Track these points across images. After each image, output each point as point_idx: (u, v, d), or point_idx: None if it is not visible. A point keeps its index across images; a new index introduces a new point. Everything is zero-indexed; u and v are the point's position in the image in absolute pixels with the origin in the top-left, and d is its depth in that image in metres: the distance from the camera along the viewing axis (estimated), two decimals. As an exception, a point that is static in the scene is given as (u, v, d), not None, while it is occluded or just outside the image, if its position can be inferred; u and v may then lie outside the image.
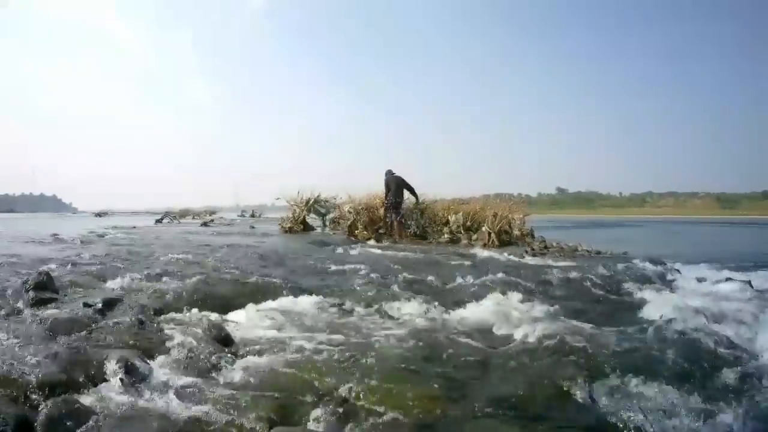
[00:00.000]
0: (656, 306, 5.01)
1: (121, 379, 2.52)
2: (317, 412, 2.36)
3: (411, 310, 4.68)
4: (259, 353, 3.17)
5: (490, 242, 11.22)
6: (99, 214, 35.30)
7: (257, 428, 2.20)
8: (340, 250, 9.44)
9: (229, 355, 3.05)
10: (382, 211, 12.92)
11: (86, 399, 2.31)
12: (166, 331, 3.38)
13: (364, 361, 3.08)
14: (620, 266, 7.59)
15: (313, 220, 14.97)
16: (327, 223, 14.93)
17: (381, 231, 12.27)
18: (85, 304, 3.74)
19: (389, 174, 12.33)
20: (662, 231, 28.47)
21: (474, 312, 4.65)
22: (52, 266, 5.35)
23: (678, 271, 7.61)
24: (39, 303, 3.79)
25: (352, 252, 9.25)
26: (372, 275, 6.17)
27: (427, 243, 11.83)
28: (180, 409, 2.29)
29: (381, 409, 2.42)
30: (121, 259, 6.56)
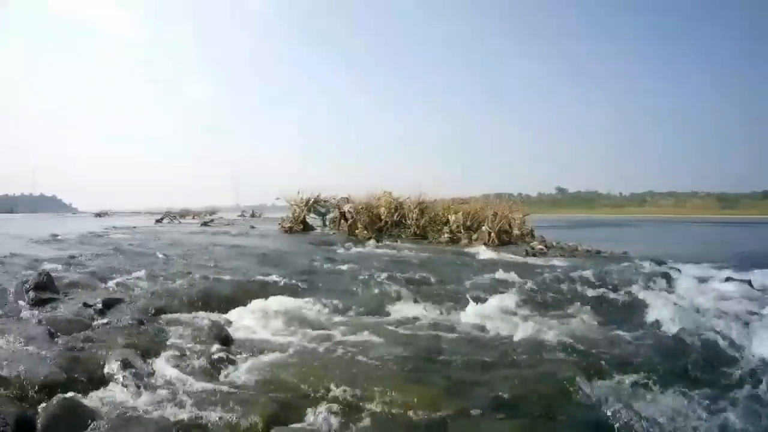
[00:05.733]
0: (656, 305, 5.00)
1: (121, 379, 2.53)
2: (317, 412, 2.36)
3: (411, 310, 4.68)
4: (259, 353, 3.18)
5: (490, 242, 11.23)
6: (99, 215, 35.35)
7: (257, 428, 2.20)
8: (340, 249, 9.45)
9: (229, 354, 3.06)
10: (382, 210, 12.97)
11: (87, 399, 2.31)
12: (166, 331, 3.38)
13: (364, 360, 3.08)
14: (620, 266, 7.60)
15: (313, 219, 14.99)
16: (327, 223, 14.95)
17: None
18: (85, 304, 3.74)
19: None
20: (662, 231, 28.48)
21: (474, 312, 4.65)
22: (52, 266, 5.35)
23: (678, 270, 7.61)
24: (39, 303, 3.79)
25: (352, 252, 9.25)
26: (372, 275, 6.17)
27: (427, 243, 11.85)
28: (180, 409, 2.29)
29: (381, 408, 2.42)
30: (121, 259, 6.57)
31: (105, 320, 3.43)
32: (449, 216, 12.74)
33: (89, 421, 2.12)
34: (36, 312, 3.57)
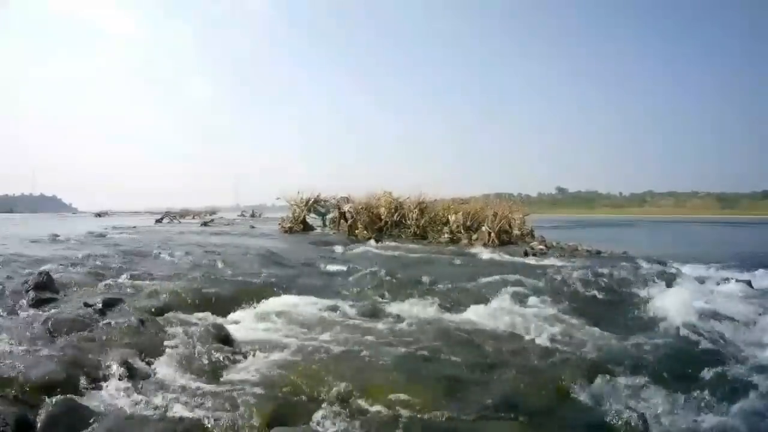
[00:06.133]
0: (656, 306, 5.01)
1: (121, 379, 2.53)
2: (317, 412, 2.36)
3: (411, 310, 4.67)
4: (259, 353, 3.17)
5: (490, 242, 11.23)
6: (99, 214, 35.30)
7: (257, 428, 2.20)
8: (340, 249, 9.44)
9: (229, 355, 3.05)
10: (382, 210, 12.98)
11: (86, 399, 2.31)
12: (166, 331, 3.38)
13: (364, 361, 3.08)
14: (620, 266, 7.59)
15: (313, 219, 14.98)
16: (327, 223, 14.94)
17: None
18: (85, 304, 3.74)
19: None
20: (662, 231, 28.50)
21: (474, 312, 4.65)
22: (52, 266, 5.35)
23: (678, 270, 7.62)
24: (39, 303, 3.79)
25: (352, 252, 9.25)
26: (372, 275, 6.17)
27: (427, 243, 11.85)
28: (180, 409, 2.29)
29: (381, 408, 2.42)
30: (121, 259, 6.56)
31: (105, 320, 3.43)
32: (449, 216, 12.74)
33: (89, 421, 2.12)
34: (36, 312, 3.57)
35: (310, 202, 14.54)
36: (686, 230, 29.54)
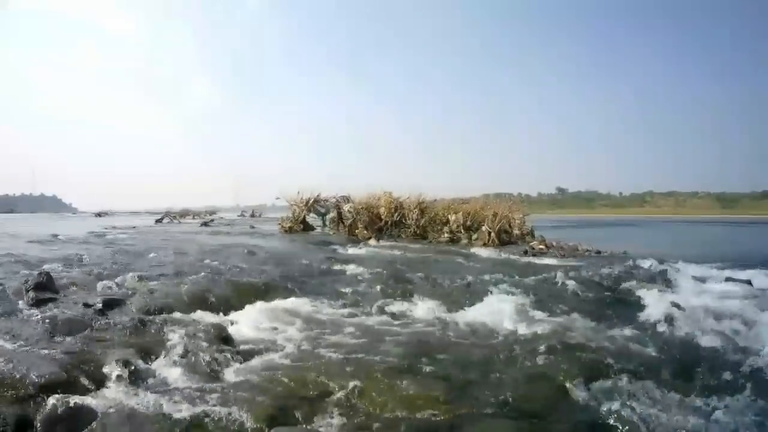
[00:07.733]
0: (656, 305, 5.01)
1: (121, 379, 2.53)
2: (318, 412, 2.36)
3: (411, 309, 4.68)
4: (260, 353, 3.17)
5: (490, 241, 11.24)
6: (99, 215, 35.30)
7: (257, 428, 2.20)
8: (340, 249, 9.45)
9: (229, 354, 3.05)
10: (382, 210, 12.98)
11: (86, 399, 2.31)
12: (166, 331, 3.38)
13: (364, 360, 3.08)
14: (620, 266, 7.60)
15: (313, 219, 14.97)
16: (327, 223, 14.92)
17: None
18: (85, 304, 3.74)
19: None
20: (662, 230, 28.51)
21: (474, 312, 4.65)
22: (52, 266, 5.35)
23: (678, 270, 7.61)
24: (39, 303, 3.79)
25: (352, 252, 9.25)
26: (372, 275, 6.17)
27: (427, 243, 11.85)
28: (180, 409, 2.29)
29: (381, 408, 2.42)
30: (121, 259, 6.56)
31: (105, 320, 3.43)
32: (449, 216, 12.75)
33: (89, 421, 2.12)
34: (36, 312, 3.57)
35: (310, 201, 14.52)
36: (686, 230, 29.55)
